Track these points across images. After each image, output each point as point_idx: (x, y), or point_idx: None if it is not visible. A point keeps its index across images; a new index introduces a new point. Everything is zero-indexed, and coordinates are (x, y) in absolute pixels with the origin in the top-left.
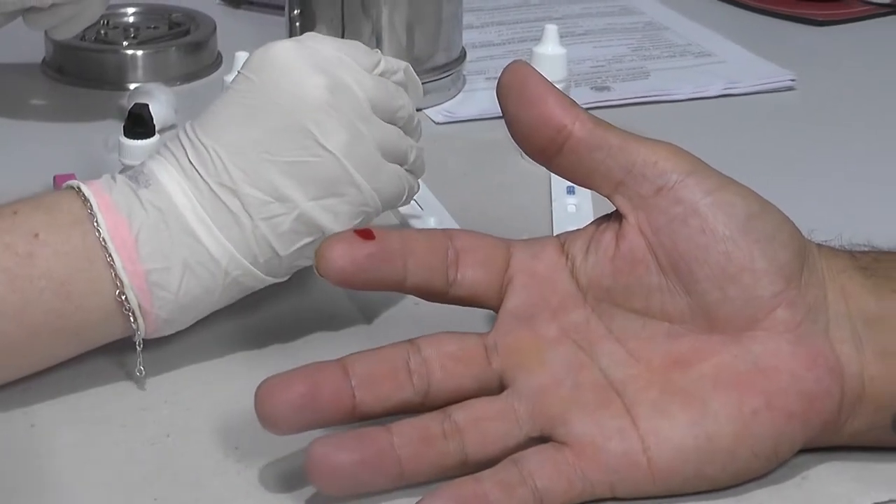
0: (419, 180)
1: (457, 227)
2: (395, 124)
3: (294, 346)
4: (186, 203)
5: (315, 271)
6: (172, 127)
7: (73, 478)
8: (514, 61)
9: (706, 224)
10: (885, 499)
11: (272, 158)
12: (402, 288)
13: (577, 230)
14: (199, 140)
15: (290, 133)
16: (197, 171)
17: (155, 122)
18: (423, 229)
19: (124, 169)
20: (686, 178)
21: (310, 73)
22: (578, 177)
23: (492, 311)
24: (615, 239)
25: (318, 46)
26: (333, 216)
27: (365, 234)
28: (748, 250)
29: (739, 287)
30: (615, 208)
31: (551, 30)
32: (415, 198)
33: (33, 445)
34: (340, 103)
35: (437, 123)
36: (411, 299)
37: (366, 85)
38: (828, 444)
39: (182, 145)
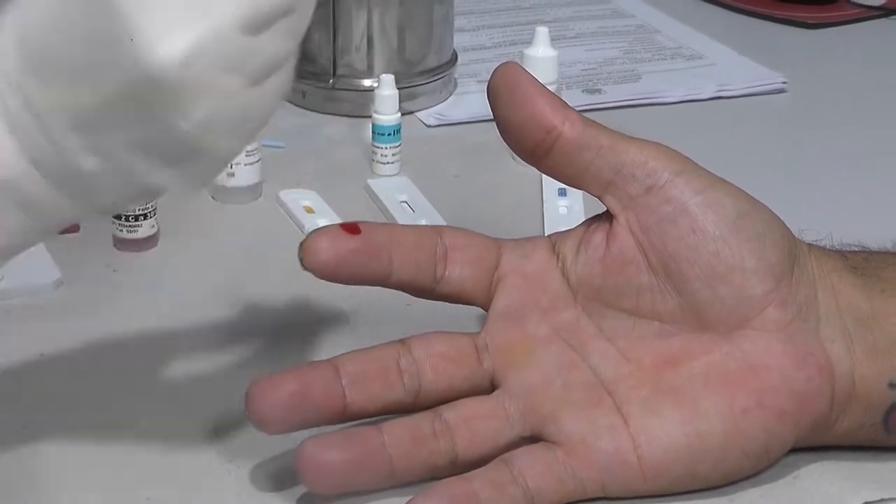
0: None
1: None
2: None
3: (285, 346)
4: None
5: (300, 264)
6: None
7: (65, 479)
8: (505, 63)
9: (696, 223)
10: (877, 498)
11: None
12: (387, 283)
13: (568, 230)
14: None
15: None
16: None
17: None
18: (411, 225)
19: None
20: (676, 177)
21: None
22: (568, 177)
23: (483, 311)
24: (605, 239)
25: None
26: None
27: (351, 228)
28: (738, 249)
29: (729, 286)
30: (605, 209)
31: (542, 32)
32: (406, 200)
33: (25, 446)
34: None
35: (429, 126)
36: (403, 300)
37: None
38: (819, 443)
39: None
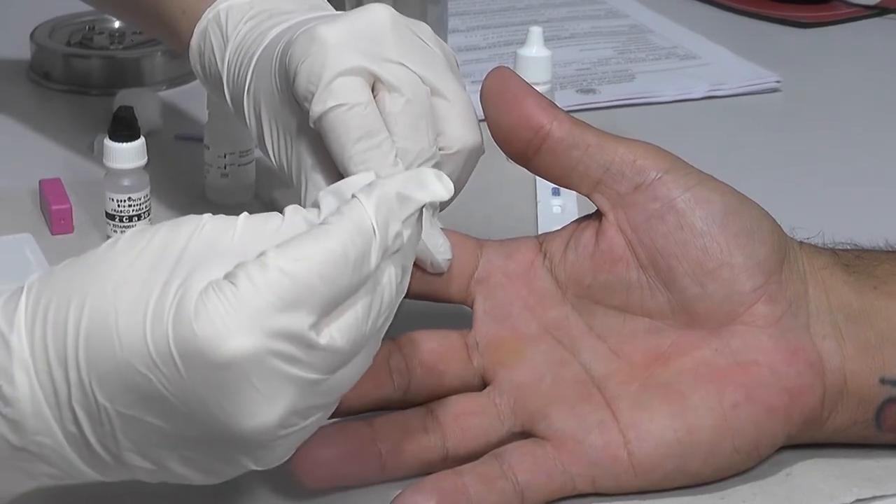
0: None
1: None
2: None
3: None
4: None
5: None
6: (158, 131)
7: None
8: (497, 67)
9: (683, 220)
10: (869, 496)
11: (175, 451)
12: None
13: (557, 230)
14: (94, 394)
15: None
16: (77, 418)
17: (140, 125)
18: None
19: (108, 173)
20: (664, 175)
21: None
22: (558, 176)
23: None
24: (595, 236)
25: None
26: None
27: None
28: (726, 245)
29: (718, 282)
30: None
31: (536, 32)
32: None
33: None
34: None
35: None
36: None
37: None
38: (811, 440)
39: (69, 382)
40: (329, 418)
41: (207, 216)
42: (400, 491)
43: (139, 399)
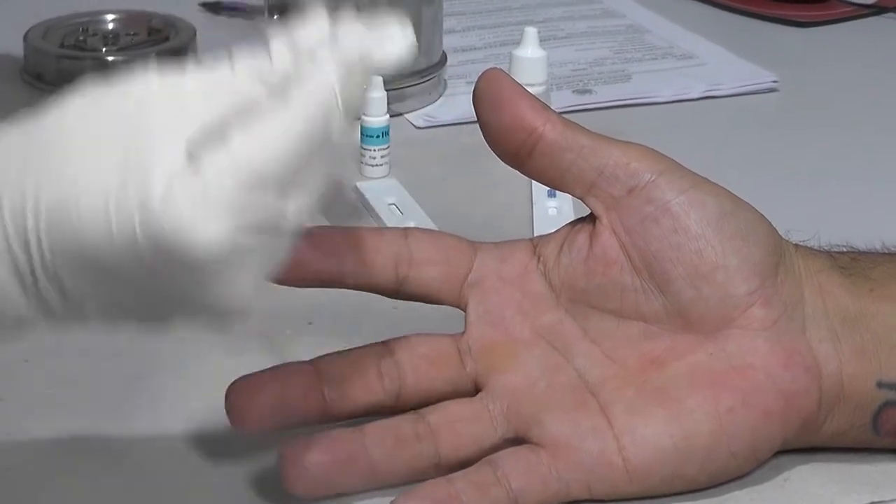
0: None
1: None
2: None
3: (267, 347)
4: None
5: None
6: None
7: (46, 482)
8: (490, 68)
9: (678, 223)
10: (868, 501)
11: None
12: (344, 283)
13: (551, 233)
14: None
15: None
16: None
17: None
18: (376, 228)
19: None
20: (658, 177)
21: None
22: (551, 179)
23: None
24: (589, 240)
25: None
26: None
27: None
28: (721, 248)
29: (713, 285)
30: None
31: (531, 32)
32: (394, 202)
33: (8, 453)
34: None
35: (418, 128)
36: (389, 302)
37: None
38: (808, 444)
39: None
40: (319, 424)
41: (152, 75)
42: (392, 499)
43: (102, 278)
